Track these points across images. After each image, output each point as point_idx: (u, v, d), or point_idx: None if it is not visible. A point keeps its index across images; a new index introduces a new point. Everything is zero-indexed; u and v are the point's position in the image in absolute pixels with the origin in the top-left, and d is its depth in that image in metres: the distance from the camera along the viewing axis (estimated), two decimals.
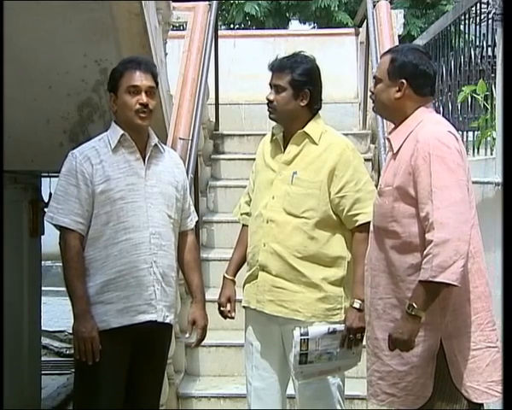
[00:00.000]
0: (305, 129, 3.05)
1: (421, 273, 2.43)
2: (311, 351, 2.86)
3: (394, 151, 2.63)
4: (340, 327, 2.92)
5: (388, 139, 2.70)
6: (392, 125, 2.78)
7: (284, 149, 3.08)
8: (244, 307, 3.15)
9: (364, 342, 2.85)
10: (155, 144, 3.07)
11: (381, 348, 2.62)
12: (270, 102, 3.06)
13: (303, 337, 2.84)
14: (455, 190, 2.45)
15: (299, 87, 3.00)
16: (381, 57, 2.79)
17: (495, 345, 2.57)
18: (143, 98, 2.95)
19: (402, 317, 2.50)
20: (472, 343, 2.53)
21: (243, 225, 3.26)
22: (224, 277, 3.23)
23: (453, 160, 2.48)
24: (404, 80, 2.61)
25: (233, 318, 3.21)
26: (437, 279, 2.39)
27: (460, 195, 2.45)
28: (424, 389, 2.54)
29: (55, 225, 2.99)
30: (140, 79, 2.95)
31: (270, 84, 3.07)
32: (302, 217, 2.99)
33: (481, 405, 2.58)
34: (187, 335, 3.21)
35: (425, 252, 2.43)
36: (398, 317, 2.55)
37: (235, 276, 3.23)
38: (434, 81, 2.71)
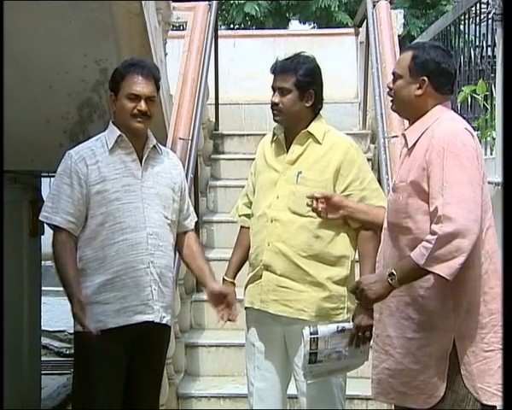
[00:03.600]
0: (309, 129, 3.05)
1: (415, 253, 2.44)
2: (321, 350, 2.85)
3: (409, 147, 2.62)
4: (349, 326, 2.91)
5: (404, 135, 2.69)
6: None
7: (287, 150, 3.08)
8: (246, 307, 3.14)
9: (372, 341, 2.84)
10: (153, 146, 3.07)
11: (393, 345, 2.61)
12: (275, 105, 3.04)
13: (312, 336, 2.83)
14: (466, 188, 2.43)
15: (304, 88, 3.00)
16: (400, 54, 2.76)
17: None
18: (142, 106, 2.95)
19: (379, 276, 2.54)
20: (485, 345, 2.51)
21: (242, 227, 3.26)
22: (224, 279, 3.22)
23: (467, 157, 2.46)
24: (425, 77, 2.58)
25: (234, 321, 3.20)
26: (430, 269, 2.40)
27: (471, 193, 2.43)
28: (436, 388, 2.52)
29: (48, 225, 2.99)
30: (141, 86, 2.95)
31: (273, 87, 3.06)
32: (307, 216, 2.98)
33: (494, 407, 2.55)
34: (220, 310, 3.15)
35: (427, 237, 2.43)
36: (411, 314, 2.55)
37: (234, 278, 3.22)
38: (454, 80, 2.69)
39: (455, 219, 2.39)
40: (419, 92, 2.60)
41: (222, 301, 3.11)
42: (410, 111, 2.67)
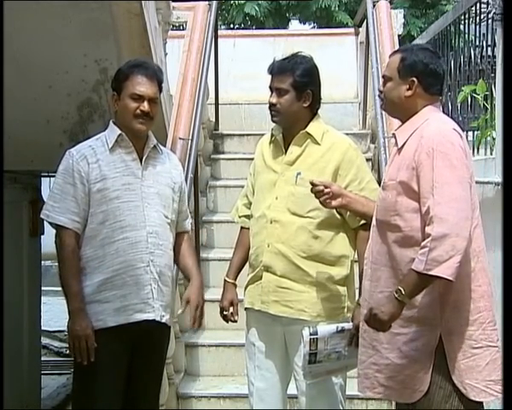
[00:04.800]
0: (308, 129, 3.05)
1: (415, 263, 2.47)
2: (320, 350, 2.86)
3: (399, 146, 2.66)
4: (348, 326, 2.92)
5: (394, 135, 2.74)
6: (397, 125, 2.80)
7: (286, 150, 3.08)
8: (247, 308, 3.14)
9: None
10: (154, 146, 3.07)
11: (380, 340, 2.64)
12: (272, 106, 3.04)
13: (312, 337, 2.84)
14: (456, 187, 2.47)
15: (301, 88, 3.00)
16: (389, 56, 2.80)
17: (495, 345, 2.58)
18: (145, 106, 2.95)
19: (387, 297, 2.54)
20: (473, 341, 2.55)
21: (242, 228, 3.26)
22: (225, 280, 3.22)
23: (456, 157, 2.51)
24: (414, 79, 2.63)
25: (236, 321, 3.20)
26: (431, 273, 2.42)
27: (461, 192, 2.48)
28: (421, 383, 2.56)
29: (50, 223, 3.00)
30: (145, 87, 2.96)
31: (271, 88, 3.05)
32: (307, 217, 2.99)
33: (481, 403, 2.59)
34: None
35: (422, 244, 2.46)
36: None
37: (235, 279, 3.22)
38: (443, 80, 2.74)
39: (446, 219, 2.43)
40: (408, 93, 2.65)
41: (187, 302, 3.08)
42: (401, 112, 2.72)
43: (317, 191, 2.87)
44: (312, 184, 2.88)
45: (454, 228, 2.42)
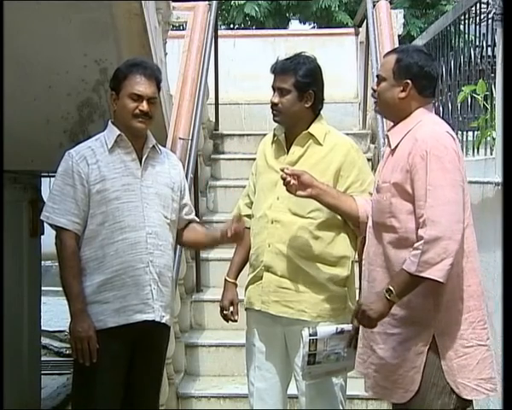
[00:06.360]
0: (310, 130, 3.05)
1: (406, 264, 2.49)
2: (320, 351, 2.86)
3: (392, 147, 2.68)
4: (348, 327, 2.92)
5: (387, 136, 2.75)
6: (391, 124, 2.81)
7: (288, 151, 3.08)
8: (247, 308, 3.14)
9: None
10: (153, 146, 3.07)
11: (376, 341, 2.66)
12: (274, 105, 3.04)
13: (312, 338, 2.84)
14: (449, 190, 2.49)
15: (303, 89, 3.00)
16: (384, 56, 2.81)
17: (485, 343, 2.61)
18: (144, 106, 2.95)
19: (378, 294, 2.57)
20: (464, 341, 2.57)
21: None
22: (226, 280, 3.22)
23: (449, 160, 2.53)
24: (409, 81, 2.64)
25: (236, 321, 3.20)
26: (423, 274, 2.45)
27: (454, 195, 2.50)
28: (412, 382, 2.58)
29: (50, 225, 3.00)
30: (143, 87, 2.95)
31: (273, 87, 3.06)
32: (308, 217, 2.99)
33: (471, 401, 2.61)
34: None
35: (415, 245, 2.49)
36: (393, 311, 2.59)
37: (236, 279, 3.22)
38: (436, 83, 2.76)
39: (438, 222, 2.46)
40: (402, 95, 2.66)
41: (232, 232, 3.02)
42: (394, 113, 2.73)
43: (283, 178, 2.86)
44: (281, 170, 2.87)
45: (446, 231, 2.44)
